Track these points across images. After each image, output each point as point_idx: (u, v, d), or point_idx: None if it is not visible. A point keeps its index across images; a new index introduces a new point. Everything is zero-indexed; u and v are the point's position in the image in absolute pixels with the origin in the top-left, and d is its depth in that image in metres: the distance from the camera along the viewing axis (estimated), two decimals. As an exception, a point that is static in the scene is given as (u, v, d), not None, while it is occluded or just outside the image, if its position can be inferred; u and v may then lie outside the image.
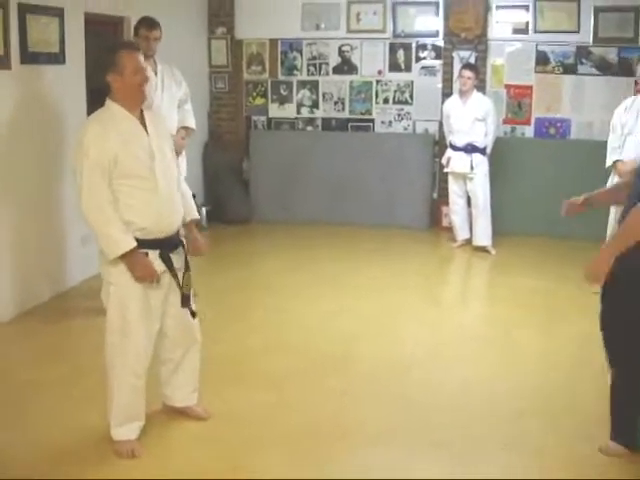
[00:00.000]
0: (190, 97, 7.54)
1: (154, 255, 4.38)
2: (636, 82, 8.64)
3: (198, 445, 4.67)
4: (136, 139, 4.34)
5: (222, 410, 5.01)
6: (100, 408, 4.63)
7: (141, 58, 4.39)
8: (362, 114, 10.92)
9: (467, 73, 9.19)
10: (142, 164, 4.31)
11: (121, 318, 4.39)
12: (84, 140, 4.23)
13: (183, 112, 7.39)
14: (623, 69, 9.84)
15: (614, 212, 7.49)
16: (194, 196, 8.36)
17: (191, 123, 7.47)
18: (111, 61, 4.30)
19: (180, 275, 4.55)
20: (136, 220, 4.29)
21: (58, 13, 7.23)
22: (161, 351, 4.75)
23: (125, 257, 4.25)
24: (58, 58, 7.29)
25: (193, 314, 4.67)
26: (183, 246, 4.61)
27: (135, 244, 4.25)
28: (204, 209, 10.45)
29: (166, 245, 4.45)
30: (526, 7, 10.24)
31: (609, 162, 7.50)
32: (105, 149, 4.19)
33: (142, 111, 4.46)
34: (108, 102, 4.38)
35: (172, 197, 4.48)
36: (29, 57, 6.83)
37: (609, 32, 10.05)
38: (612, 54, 10.06)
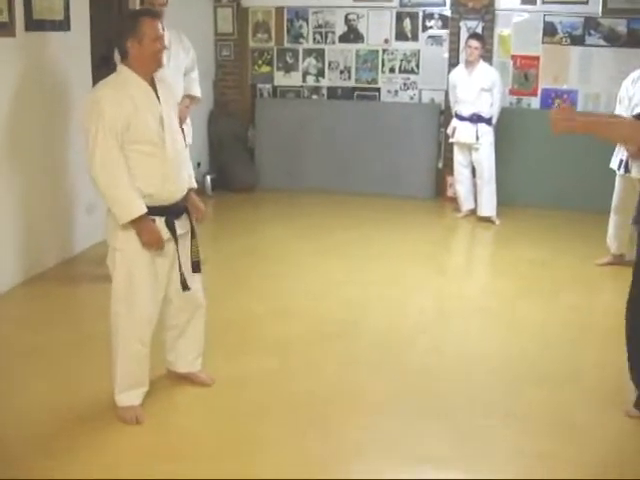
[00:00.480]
0: (197, 65, 7.47)
1: (160, 222, 4.40)
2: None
3: (201, 411, 4.72)
4: (148, 106, 4.34)
5: (226, 376, 5.05)
6: (104, 373, 4.65)
7: (160, 26, 4.39)
8: (368, 83, 10.88)
9: (474, 43, 9.15)
10: (152, 131, 4.32)
11: (127, 285, 4.40)
12: (98, 102, 4.23)
13: (189, 80, 7.33)
14: (632, 41, 9.77)
15: (619, 182, 7.50)
16: (199, 164, 8.41)
17: (196, 91, 7.42)
18: (131, 27, 4.31)
19: (186, 242, 4.58)
20: (142, 186, 4.30)
21: (63, -20, 7.20)
22: (166, 317, 4.77)
23: (135, 222, 4.27)
24: (63, 25, 7.26)
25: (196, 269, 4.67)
26: (188, 213, 4.63)
27: (146, 209, 4.27)
28: (209, 177, 10.47)
29: (171, 212, 4.47)
30: (535, -23, 10.18)
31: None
32: (119, 113, 4.20)
33: (152, 78, 4.45)
34: (121, 67, 4.39)
35: (179, 165, 4.51)
36: (34, 24, 6.80)
37: (618, 3, 9.95)
38: (621, 25, 9.99)
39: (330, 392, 4.96)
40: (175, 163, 4.45)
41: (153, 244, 4.35)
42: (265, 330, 5.92)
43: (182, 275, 4.54)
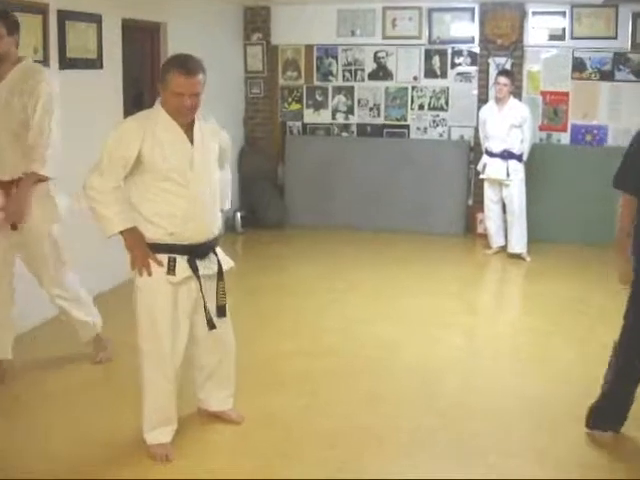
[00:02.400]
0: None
1: (182, 260, 4.40)
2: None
3: (230, 450, 4.70)
4: (173, 145, 4.32)
5: (255, 414, 5.02)
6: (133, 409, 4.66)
7: (190, 83, 4.27)
8: (397, 120, 10.91)
9: (503, 80, 9.16)
10: (176, 170, 4.31)
11: (149, 322, 4.41)
12: (117, 129, 4.38)
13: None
14: (659, 75, 9.78)
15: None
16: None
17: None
18: (163, 72, 4.34)
19: (213, 284, 4.58)
20: (165, 224, 4.33)
21: (96, 19, 7.33)
22: (194, 357, 4.78)
23: (125, 235, 4.32)
24: (96, 63, 7.38)
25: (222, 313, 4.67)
26: (216, 254, 4.61)
27: (131, 225, 4.31)
28: (239, 214, 10.50)
29: (195, 252, 4.46)
30: (562, 13, 10.19)
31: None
32: (134, 144, 4.23)
33: (193, 120, 4.43)
34: (157, 104, 4.43)
35: (207, 207, 4.47)
36: (67, 63, 6.91)
37: (647, 38, 9.99)
38: (648, 60, 10.01)
39: (359, 431, 4.92)
40: (201, 204, 4.41)
41: (138, 260, 4.34)
42: (293, 367, 5.90)
43: (208, 314, 4.53)
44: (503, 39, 10.29)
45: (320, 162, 10.85)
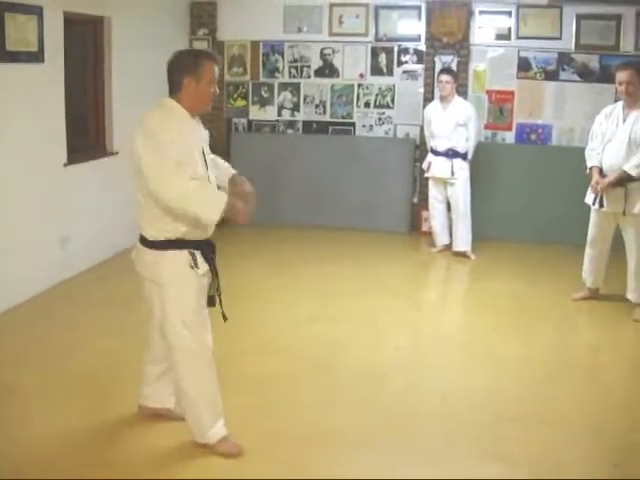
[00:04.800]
0: None
1: (199, 255, 4.43)
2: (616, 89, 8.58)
3: (177, 449, 4.64)
4: (195, 142, 4.40)
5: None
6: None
7: (217, 71, 4.44)
8: (343, 117, 10.89)
9: (445, 77, 9.19)
10: (199, 167, 4.36)
11: (189, 316, 4.45)
12: (155, 134, 4.24)
13: None
14: (604, 76, 9.84)
15: (593, 216, 7.51)
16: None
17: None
18: (192, 65, 4.35)
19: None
20: (188, 220, 4.31)
21: (37, 11, 7.18)
22: (157, 351, 4.79)
23: (227, 206, 4.25)
24: (37, 57, 7.24)
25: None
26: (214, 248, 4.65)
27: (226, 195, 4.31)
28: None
29: (208, 246, 4.53)
30: (508, 13, 10.26)
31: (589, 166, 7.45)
32: (175, 145, 4.20)
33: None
34: (171, 102, 4.41)
35: None
36: (7, 56, 6.78)
37: (591, 39, 10.09)
38: (594, 61, 10.10)
39: (307, 431, 4.90)
40: None
41: (247, 216, 4.35)
42: (241, 368, 5.85)
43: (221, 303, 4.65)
44: (449, 37, 10.31)
45: (266, 159, 10.78)
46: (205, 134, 4.64)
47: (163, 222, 4.32)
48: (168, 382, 4.85)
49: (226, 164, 4.90)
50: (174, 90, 4.41)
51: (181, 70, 4.37)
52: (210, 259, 4.50)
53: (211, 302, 4.64)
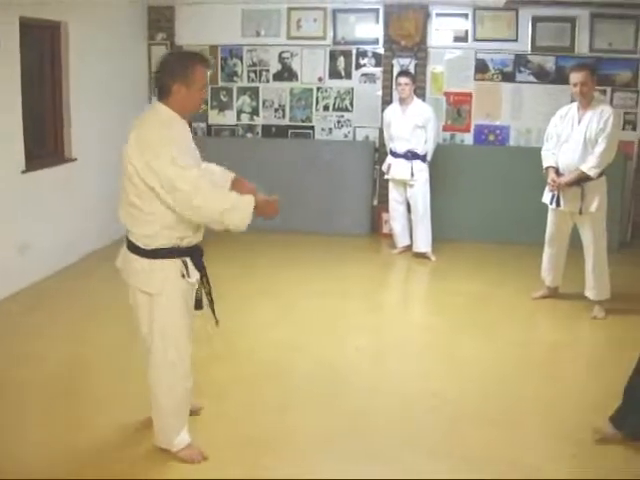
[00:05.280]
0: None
1: (190, 262, 4.42)
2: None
3: (133, 457, 4.62)
4: (189, 147, 4.39)
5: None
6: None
7: (207, 74, 4.39)
8: (302, 121, 10.92)
9: (403, 80, 9.23)
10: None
11: (173, 330, 4.43)
12: (164, 143, 4.14)
13: None
14: (560, 77, 9.94)
15: (551, 215, 7.58)
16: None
17: None
18: (182, 70, 4.24)
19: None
20: (181, 229, 4.30)
21: (-9, 17, 7.13)
22: None
23: (257, 206, 4.47)
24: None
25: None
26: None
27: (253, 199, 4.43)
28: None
29: (198, 252, 4.51)
30: (465, 15, 10.34)
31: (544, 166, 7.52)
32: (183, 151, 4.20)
33: None
34: (160, 106, 4.32)
35: None
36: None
37: (546, 41, 10.22)
38: (550, 63, 10.22)
39: (265, 436, 4.90)
40: None
41: (274, 212, 4.70)
42: (201, 373, 5.81)
43: (212, 305, 4.69)
44: (407, 40, 10.37)
45: (225, 163, 10.67)
46: None
47: (158, 231, 4.25)
48: None
49: (220, 167, 4.92)
50: (163, 95, 4.31)
51: (171, 74, 4.26)
52: (200, 264, 4.50)
53: (199, 305, 4.62)
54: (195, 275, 4.44)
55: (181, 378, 4.52)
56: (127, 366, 5.70)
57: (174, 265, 4.34)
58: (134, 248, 4.34)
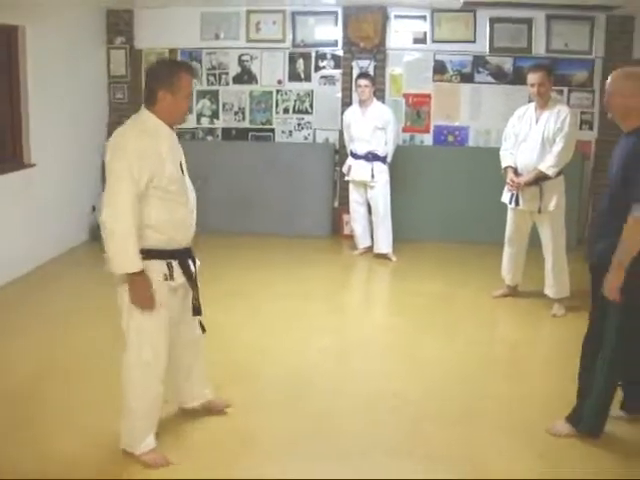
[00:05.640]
0: None
1: (176, 264, 4.48)
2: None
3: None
4: (172, 154, 4.41)
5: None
6: None
7: (192, 83, 4.49)
8: (262, 124, 10.91)
9: (363, 82, 9.27)
10: (176, 180, 4.41)
11: (149, 332, 4.43)
12: (125, 151, 4.19)
13: None
14: (517, 78, 10.03)
15: (510, 215, 7.65)
16: (94, 208, 8.30)
17: None
18: (167, 78, 4.31)
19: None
20: (164, 230, 4.36)
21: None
22: (176, 359, 4.82)
23: (133, 277, 4.26)
24: None
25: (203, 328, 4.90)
26: (194, 259, 4.68)
27: (142, 268, 4.26)
28: (104, 222, 10.24)
29: (185, 254, 4.56)
30: (423, 17, 10.40)
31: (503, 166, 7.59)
32: (145, 166, 4.20)
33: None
34: (146, 113, 4.37)
35: (194, 209, 4.68)
36: None
37: (504, 42, 10.32)
38: (507, 63, 10.32)
39: (228, 438, 4.90)
40: (192, 209, 4.63)
41: (143, 303, 4.33)
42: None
43: (196, 301, 4.71)
44: (366, 42, 10.41)
45: (187, 167, 10.72)
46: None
47: (141, 232, 4.28)
48: (196, 376, 5.01)
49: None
50: (149, 102, 4.37)
51: (157, 81, 4.33)
52: (187, 268, 4.55)
53: (197, 311, 4.72)
54: (180, 278, 4.49)
55: (155, 379, 4.51)
56: (86, 375, 5.74)
57: (157, 267, 4.37)
58: None
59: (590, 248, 4.99)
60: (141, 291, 4.29)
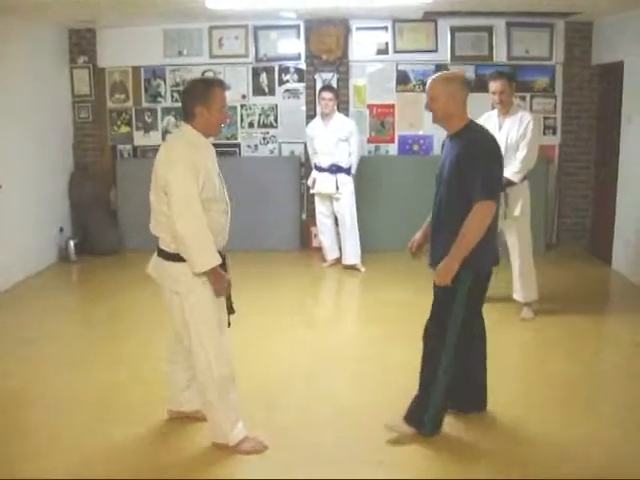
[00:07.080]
0: None
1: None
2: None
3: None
4: (213, 165, 4.76)
5: (90, 447, 4.95)
6: None
7: (226, 96, 4.78)
8: (228, 139, 10.92)
9: (327, 95, 9.31)
10: (218, 189, 4.76)
11: (211, 324, 4.84)
12: (183, 159, 4.54)
13: None
14: (479, 85, 10.06)
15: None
16: (61, 229, 8.30)
17: None
18: (202, 94, 4.65)
19: None
20: (214, 236, 4.73)
21: None
22: (186, 357, 5.04)
23: (215, 269, 4.71)
24: None
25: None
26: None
27: (221, 260, 4.74)
28: (72, 242, 10.22)
29: (223, 257, 4.89)
30: (385, 28, 10.49)
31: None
32: (200, 173, 4.55)
33: None
34: (189, 128, 4.72)
35: (229, 216, 5.04)
36: None
37: (465, 50, 10.42)
38: (469, 71, 10.37)
39: (192, 455, 4.89)
40: (229, 215, 5.01)
41: (223, 291, 4.85)
42: (130, 397, 5.78)
43: (231, 303, 5.14)
44: (328, 55, 10.46)
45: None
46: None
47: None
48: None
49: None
50: (189, 118, 4.70)
51: (193, 99, 4.66)
52: (227, 269, 4.95)
53: (231, 310, 5.12)
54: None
55: (228, 370, 4.91)
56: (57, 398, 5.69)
57: None
58: (163, 253, 4.80)
59: (432, 254, 5.38)
60: (223, 280, 4.80)
